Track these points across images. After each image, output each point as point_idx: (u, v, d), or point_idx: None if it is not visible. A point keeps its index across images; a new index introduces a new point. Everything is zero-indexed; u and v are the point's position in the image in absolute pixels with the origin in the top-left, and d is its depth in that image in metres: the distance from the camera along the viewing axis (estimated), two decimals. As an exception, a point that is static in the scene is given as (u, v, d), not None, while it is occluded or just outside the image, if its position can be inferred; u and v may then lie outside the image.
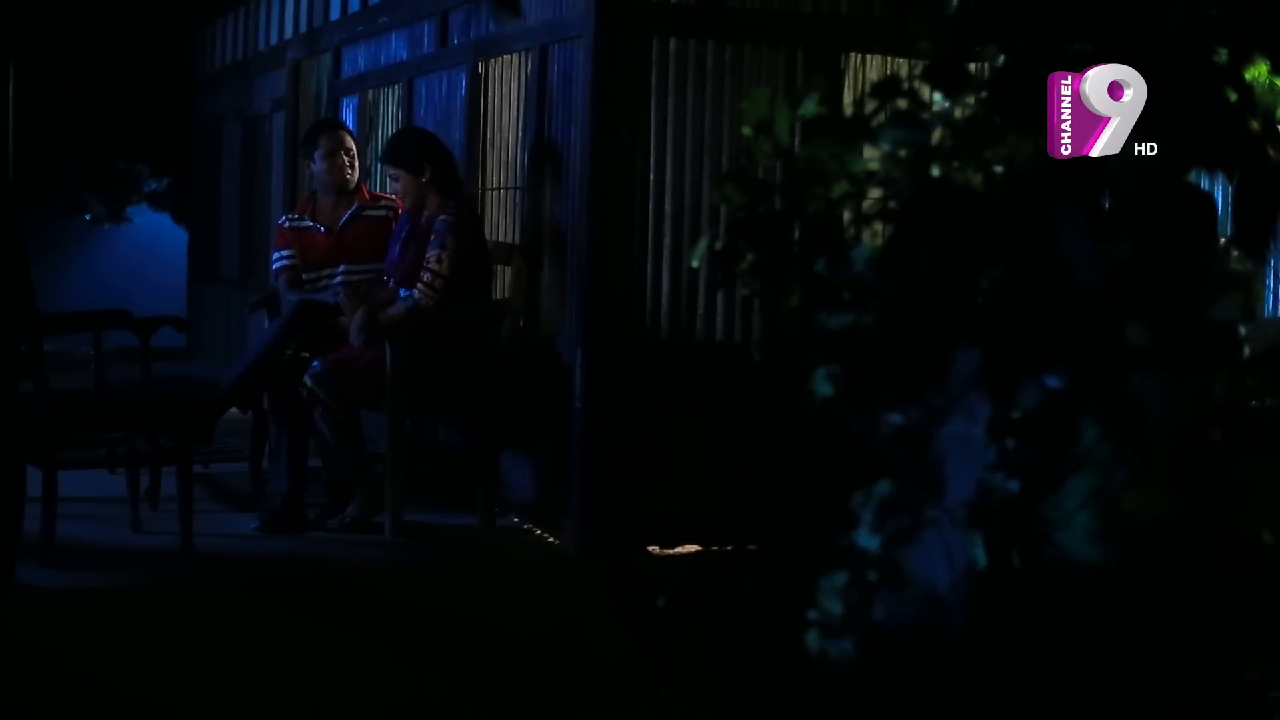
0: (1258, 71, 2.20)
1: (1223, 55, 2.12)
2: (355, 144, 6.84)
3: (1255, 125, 2.15)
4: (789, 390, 2.04)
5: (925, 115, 2.11)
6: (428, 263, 6.09)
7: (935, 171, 2.05)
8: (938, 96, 2.15)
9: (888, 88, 2.16)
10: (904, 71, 6.07)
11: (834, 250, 2.04)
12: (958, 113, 2.12)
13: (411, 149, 6.30)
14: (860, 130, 2.11)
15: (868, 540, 1.91)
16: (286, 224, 6.73)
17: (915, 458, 1.91)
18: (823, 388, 2.00)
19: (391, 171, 6.34)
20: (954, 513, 1.87)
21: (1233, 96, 2.13)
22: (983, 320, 1.91)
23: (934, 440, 1.91)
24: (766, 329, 5.77)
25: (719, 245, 2.13)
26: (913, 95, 2.13)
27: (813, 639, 1.93)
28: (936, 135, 2.10)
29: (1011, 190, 1.99)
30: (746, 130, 2.18)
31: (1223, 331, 1.90)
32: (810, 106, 2.14)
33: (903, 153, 2.07)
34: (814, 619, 1.93)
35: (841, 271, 2.02)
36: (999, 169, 2.05)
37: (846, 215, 2.16)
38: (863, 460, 1.95)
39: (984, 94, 2.15)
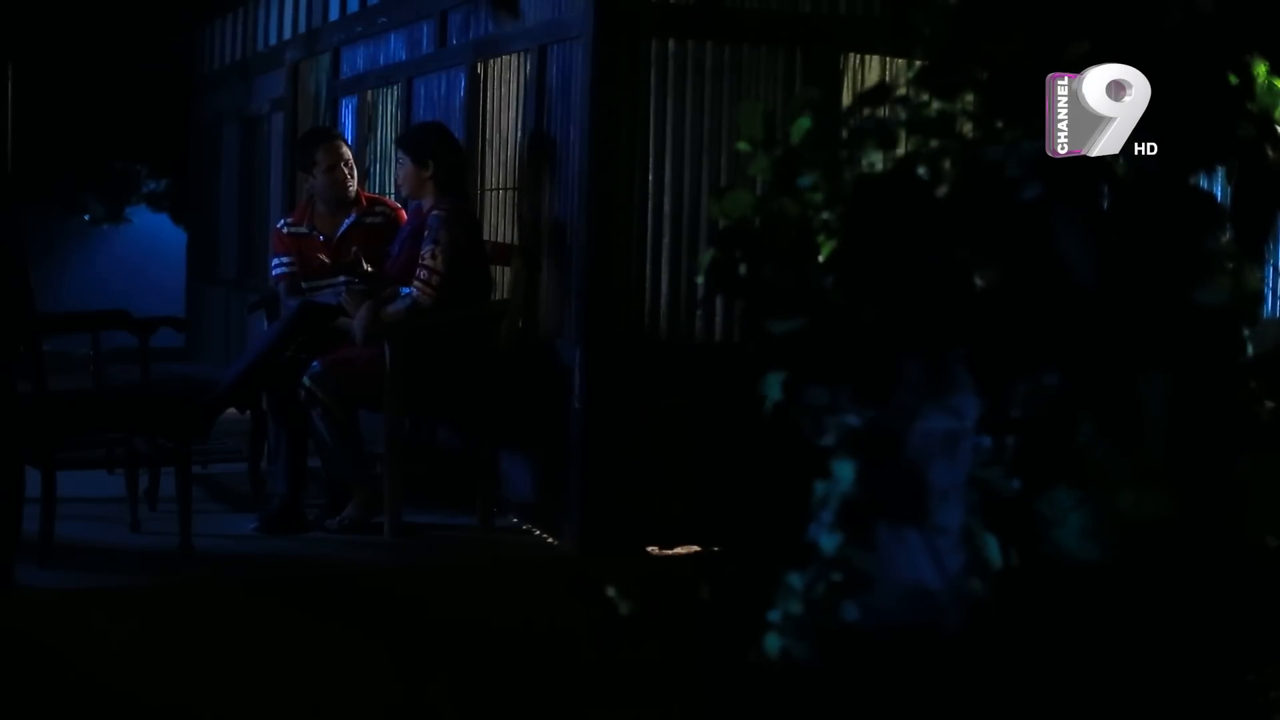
0: (1257, 72, 2.20)
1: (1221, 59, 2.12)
2: (351, 150, 6.82)
3: (1253, 126, 2.15)
4: (750, 394, 2.04)
5: (906, 117, 2.11)
6: (422, 260, 6.09)
7: (922, 171, 2.05)
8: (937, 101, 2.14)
9: (877, 94, 2.16)
10: (903, 72, 6.07)
11: (783, 256, 2.04)
12: (959, 121, 2.11)
13: (420, 140, 6.32)
14: (850, 141, 2.10)
15: (828, 540, 1.91)
16: (285, 230, 6.70)
17: (884, 457, 1.91)
18: (773, 392, 2.00)
19: (399, 156, 6.36)
20: (942, 510, 1.87)
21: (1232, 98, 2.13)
22: (972, 318, 1.91)
23: (908, 438, 1.91)
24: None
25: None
26: (905, 100, 2.12)
27: (772, 642, 1.93)
28: (912, 140, 2.09)
29: (1010, 189, 1.99)
30: (743, 145, 2.18)
31: (1223, 330, 1.90)
32: (804, 123, 2.13)
33: (878, 160, 2.07)
34: (774, 621, 1.93)
35: (789, 278, 2.02)
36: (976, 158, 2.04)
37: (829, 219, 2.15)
38: (815, 463, 1.95)
39: (981, 95, 2.15)
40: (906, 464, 1.90)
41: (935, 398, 1.89)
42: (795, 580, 1.93)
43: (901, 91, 2.16)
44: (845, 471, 1.92)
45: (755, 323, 2.05)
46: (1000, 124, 2.11)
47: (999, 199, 1.95)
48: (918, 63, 2.19)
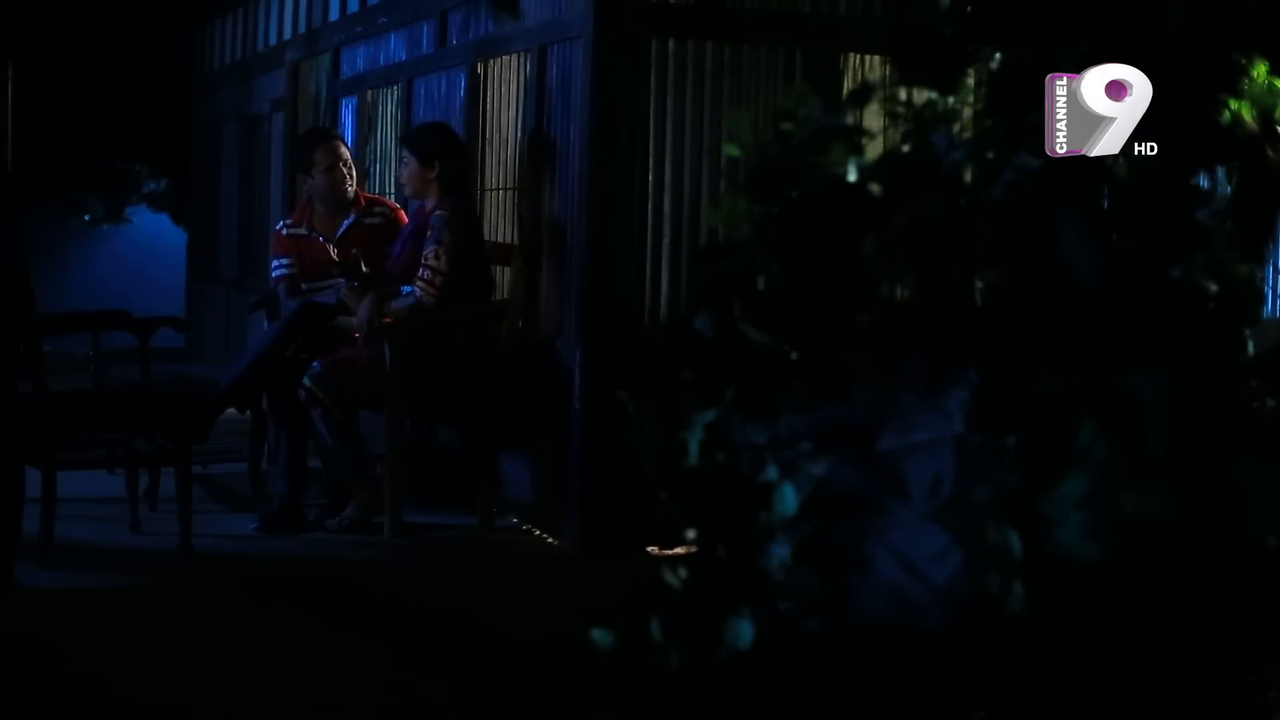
0: (1256, 72, 2.20)
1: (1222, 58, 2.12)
2: (349, 150, 6.83)
3: (1254, 125, 2.15)
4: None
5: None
6: (426, 259, 6.09)
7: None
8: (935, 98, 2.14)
9: (860, 95, 2.15)
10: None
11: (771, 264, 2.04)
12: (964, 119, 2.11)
13: (426, 139, 6.32)
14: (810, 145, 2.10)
15: (778, 560, 1.91)
16: (284, 232, 6.70)
17: (853, 467, 1.90)
18: (695, 438, 2.02)
19: (404, 155, 6.34)
20: (928, 512, 1.87)
21: (1233, 103, 2.13)
22: (973, 318, 1.91)
23: (880, 454, 1.90)
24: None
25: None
26: (894, 99, 2.12)
27: (721, 673, 1.94)
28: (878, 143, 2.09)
29: (1010, 190, 1.99)
30: (732, 150, 2.18)
31: (1223, 329, 1.90)
32: (801, 116, 2.12)
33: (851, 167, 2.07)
34: (722, 655, 1.93)
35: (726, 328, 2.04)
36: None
37: None
38: (756, 498, 1.96)
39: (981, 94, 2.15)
40: (873, 481, 1.90)
41: (925, 402, 1.89)
42: (744, 624, 1.93)
43: (904, 93, 2.15)
44: (788, 496, 1.93)
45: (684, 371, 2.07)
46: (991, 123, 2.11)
47: (923, 203, 1.95)
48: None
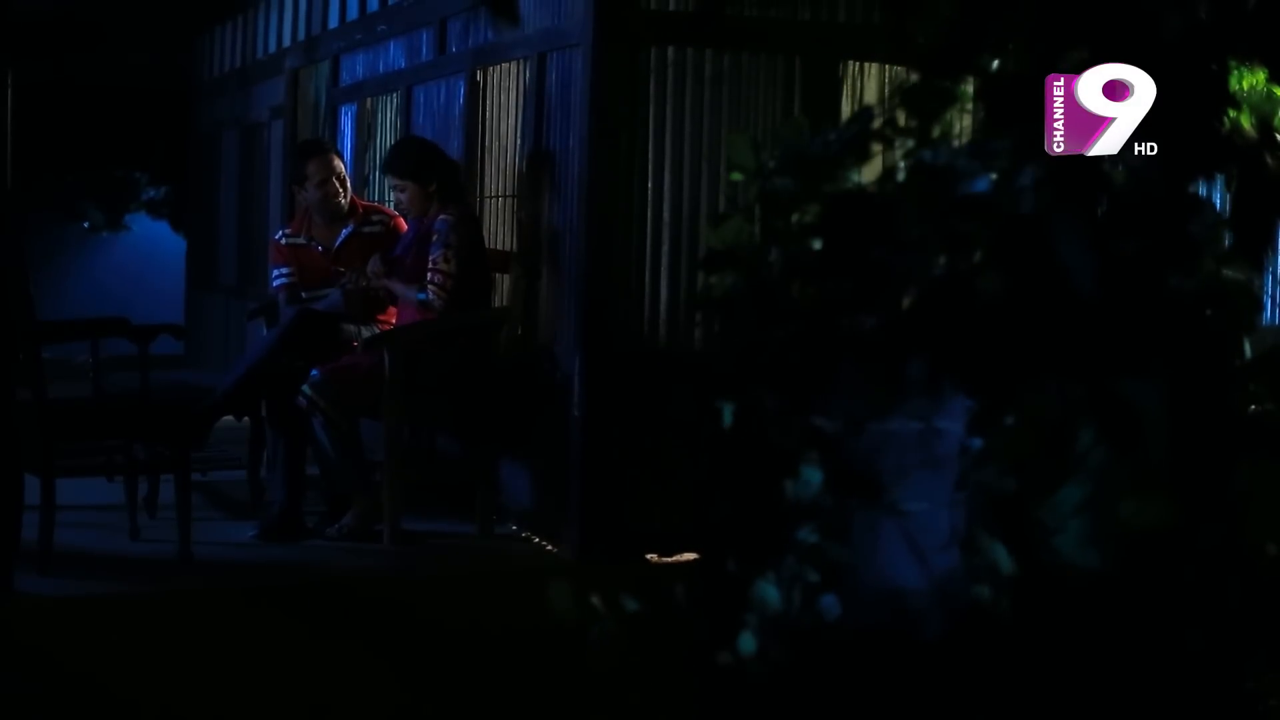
0: (1255, 80, 2.20)
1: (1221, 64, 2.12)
2: (344, 161, 6.82)
3: (1252, 133, 2.16)
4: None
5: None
6: (434, 263, 6.10)
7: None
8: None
9: (862, 118, 2.15)
10: (905, 81, 6.07)
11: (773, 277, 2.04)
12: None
13: (416, 160, 6.31)
14: (835, 163, 2.10)
15: (807, 536, 1.92)
16: (283, 241, 6.71)
17: (842, 457, 1.91)
18: (726, 417, 2.03)
19: (396, 183, 6.32)
20: (927, 511, 1.87)
21: (1231, 111, 2.13)
22: (972, 325, 1.91)
23: (868, 438, 1.91)
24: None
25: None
26: (892, 122, 2.11)
27: (746, 643, 1.94)
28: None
29: (1009, 197, 1.99)
30: (735, 175, 2.18)
31: (1221, 336, 1.90)
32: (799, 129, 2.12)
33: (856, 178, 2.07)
34: (750, 624, 1.94)
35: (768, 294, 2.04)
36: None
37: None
38: (785, 466, 1.97)
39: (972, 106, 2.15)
40: (880, 463, 1.91)
41: (926, 402, 1.89)
42: (769, 588, 1.93)
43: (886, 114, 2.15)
44: (813, 476, 1.93)
45: (729, 337, 2.07)
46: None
47: (945, 201, 1.95)
48: (914, 77, 2.18)
